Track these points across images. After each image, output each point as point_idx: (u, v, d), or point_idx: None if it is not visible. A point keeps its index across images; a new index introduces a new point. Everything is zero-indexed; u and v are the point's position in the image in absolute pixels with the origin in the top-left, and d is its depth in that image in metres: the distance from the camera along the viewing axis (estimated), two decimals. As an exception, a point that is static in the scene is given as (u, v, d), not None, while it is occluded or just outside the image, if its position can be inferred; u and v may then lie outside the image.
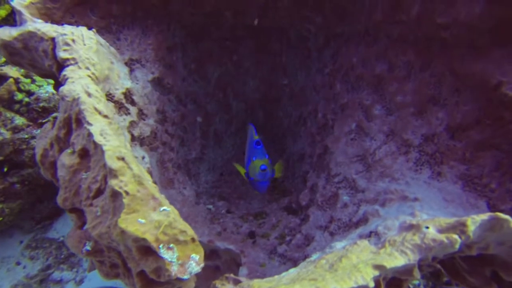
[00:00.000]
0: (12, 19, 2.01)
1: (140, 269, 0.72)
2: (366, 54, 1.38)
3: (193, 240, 0.77)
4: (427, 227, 0.70)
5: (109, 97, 1.06)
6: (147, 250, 0.71)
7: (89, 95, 0.84)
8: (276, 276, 0.75)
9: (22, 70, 1.84)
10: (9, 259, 2.12)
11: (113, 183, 0.73)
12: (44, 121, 1.81)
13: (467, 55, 0.90)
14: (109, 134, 0.79)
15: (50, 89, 1.89)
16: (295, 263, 1.31)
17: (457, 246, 0.62)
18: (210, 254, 1.45)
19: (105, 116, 0.84)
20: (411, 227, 0.76)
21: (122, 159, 0.76)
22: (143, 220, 0.73)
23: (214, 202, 1.72)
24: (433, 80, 1.09)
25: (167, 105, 1.49)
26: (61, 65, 0.92)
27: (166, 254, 0.69)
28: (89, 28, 1.04)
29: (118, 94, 1.10)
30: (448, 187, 1.04)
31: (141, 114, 1.25)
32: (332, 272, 0.67)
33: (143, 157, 1.16)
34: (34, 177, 1.89)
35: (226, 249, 1.39)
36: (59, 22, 1.08)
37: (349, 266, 0.69)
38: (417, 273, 0.65)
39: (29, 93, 1.79)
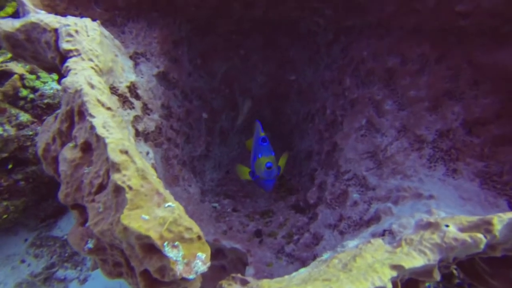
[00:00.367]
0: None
1: (144, 268, 0.69)
2: (378, 48, 1.33)
3: (199, 238, 0.74)
4: (447, 226, 0.66)
5: (113, 90, 1.03)
6: (151, 248, 0.68)
7: (92, 86, 0.81)
8: (286, 276, 0.71)
9: (28, 66, 1.83)
10: (14, 257, 2.11)
11: (116, 177, 0.70)
12: (48, 117, 1.79)
13: (488, 44, 0.85)
14: (112, 126, 0.76)
15: (55, 85, 1.87)
16: (303, 263, 1.27)
17: (482, 246, 0.58)
18: (216, 253, 1.42)
19: (109, 108, 0.81)
20: (428, 225, 0.72)
21: (126, 152, 0.73)
22: (147, 217, 0.70)
23: (219, 200, 1.69)
24: (449, 73, 1.04)
25: (172, 100, 1.46)
26: (64, 56, 0.89)
27: (171, 253, 0.66)
28: (93, 20, 1.01)
29: (122, 87, 1.07)
30: (465, 184, 1.00)
31: (146, 108, 1.22)
32: (347, 272, 0.63)
33: (148, 153, 1.13)
34: (38, 174, 1.87)
35: (232, 248, 1.36)
36: (62, 14, 1.05)
37: (364, 266, 0.65)
38: (437, 274, 0.61)
39: (34, 90, 1.78)
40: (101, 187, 0.76)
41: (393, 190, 1.11)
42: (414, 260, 0.60)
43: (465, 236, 0.58)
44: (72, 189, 0.79)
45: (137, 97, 1.18)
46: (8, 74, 1.72)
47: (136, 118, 1.16)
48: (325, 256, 0.88)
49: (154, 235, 0.67)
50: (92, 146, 0.79)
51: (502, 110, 0.89)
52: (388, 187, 1.15)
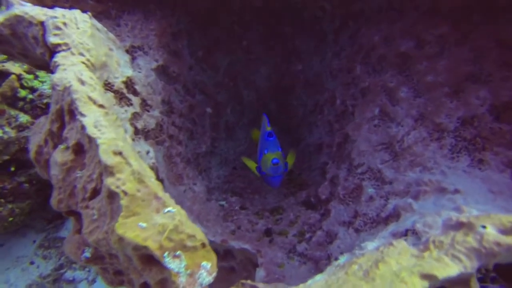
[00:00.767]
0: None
1: (143, 280, 0.63)
2: (390, 32, 1.24)
3: (203, 245, 0.67)
4: (484, 227, 0.58)
5: (108, 86, 0.97)
6: (150, 259, 0.61)
7: (83, 83, 0.75)
8: (301, 285, 0.64)
9: (25, 66, 1.78)
10: (23, 259, 2.09)
11: (109, 181, 0.63)
12: (49, 117, 1.74)
13: (521, 19, 0.76)
14: (105, 125, 0.70)
15: (54, 84, 1.82)
16: (316, 263, 1.20)
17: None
18: (224, 254, 1.36)
19: (101, 106, 0.75)
20: (460, 225, 0.64)
21: (119, 153, 0.67)
22: (144, 224, 0.63)
23: (226, 198, 1.62)
24: (472, 54, 0.95)
25: (174, 96, 1.39)
26: (53, 51, 0.82)
27: (172, 264, 0.60)
28: (84, 11, 0.94)
29: (118, 83, 1.00)
30: (494, 176, 0.91)
31: (145, 105, 1.16)
32: (369, 282, 0.56)
33: (148, 152, 1.07)
34: (42, 176, 1.83)
35: (241, 249, 1.30)
36: (51, 7, 0.98)
37: (389, 274, 0.57)
38: (475, 285, 0.53)
39: (33, 90, 1.73)
40: (95, 192, 0.70)
41: (412, 184, 1.03)
42: (448, 268, 0.52)
43: (509, 240, 0.50)
44: (65, 194, 0.73)
45: (135, 93, 1.11)
46: (5, 74, 1.67)
47: (135, 115, 1.10)
48: (341, 259, 0.81)
49: (152, 245, 0.61)
50: (84, 148, 0.73)
51: (537, 93, 0.80)
52: (407, 180, 1.06)
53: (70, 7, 1.03)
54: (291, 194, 1.63)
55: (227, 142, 1.91)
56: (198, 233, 0.68)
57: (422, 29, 1.07)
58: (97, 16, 1.11)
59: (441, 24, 1.01)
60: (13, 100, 1.70)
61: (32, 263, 2.02)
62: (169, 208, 0.68)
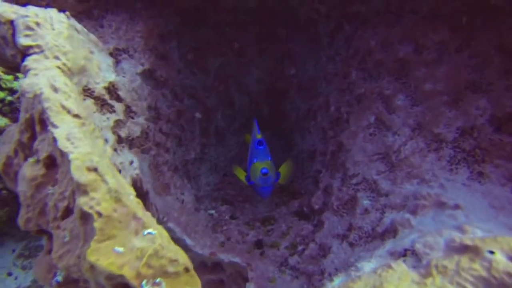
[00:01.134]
0: None
1: (118, 313, 0.56)
2: (387, 36, 1.19)
3: (186, 270, 0.61)
4: (492, 252, 0.53)
5: (87, 92, 0.90)
6: (125, 290, 0.55)
7: (56, 90, 0.68)
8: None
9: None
10: (0, 270, 1.99)
11: (82, 201, 0.57)
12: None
13: (527, 27, 0.72)
14: (79, 138, 0.63)
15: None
16: (309, 278, 1.15)
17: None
18: (213, 266, 1.29)
19: (76, 116, 0.68)
20: (464, 249, 0.59)
21: (94, 170, 0.60)
22: (121, 249, 0.57)
23: (216, 207, 1.56)
24: (473, 61, 0.91)
25: (161, 101, 1.33)
26: (24, 54, 0.75)
27: (151, 294, 0.53)
28: (62, 11, 0.87)
29: (99, 88, 0.94)
30: (494, 190, 0.87)
31: (129, 111, 1.09)
32: (369, 317, 0.51)
33: (132, 162, 1.00)
34: (22, 182, 1.74)
35: (230, 262, 1.24)
36: (24, 5, 0.91)
37: (391, 307, 0.52)
38: (486, 319, 0.48)
39: (12, 91, 1.64)
40: (68, 212, 0.63)
41: (409, 197, 0.98)
42: (456, 302, 0.47)
43: (524, 273, 0.45)
44: (35, 213, 0.66)
45: (118, 99, 1.04)
46: (-18, 76, 1.58)
47: (118, 123, 1.03)
48: (336, 281, 0.76)
49: (129, 273, 0.55)
50: (57, 161, 0.66)
51: (543, 105, 0.76)
52: (404, 193, 1.02)
53: (47, 6, 0.96)
54: (283, 204, 1.57)
55: (217, 148, 1.85)
56: (181, 256, 0.62)
57: (421, 33, 1.03)
58: (78, 16, 1.04)
59: (440, 29, 0.97)
60: (-9, 103, 1.61)
61: (10, 274, 1.92)
62: (149, 230, 0.61)
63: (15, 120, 1.63)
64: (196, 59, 1.61)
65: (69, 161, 0.59)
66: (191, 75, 1.60)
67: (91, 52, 0.98)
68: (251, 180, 1.31)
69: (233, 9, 1.50)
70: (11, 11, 0.74)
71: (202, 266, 1.32)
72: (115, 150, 0.96)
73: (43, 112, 0.65)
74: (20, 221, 0.66)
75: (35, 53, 0.73)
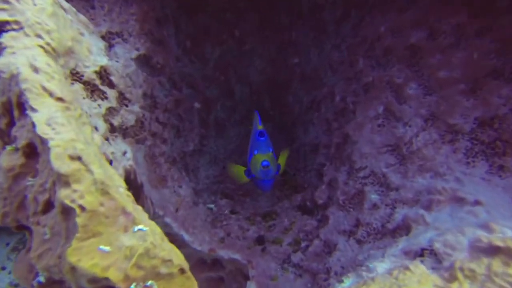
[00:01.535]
0: None
1: (103, 320, 0.50)
2: (398, 21, 1.12)
3: (182, 271, 0.55)
4: (528, 255, 0.47)
5: (76, 76, 0.83)
6: (111, 295, 0.49)
7: (36, 70, 0.61)
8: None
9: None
10: (-6, 264, 1.93)
11: (63, 194, 0.50)
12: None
13: None
14: (61, 123, 0.56)
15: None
16: (314, 276, 1.09)
17: None
18: (212, 263, 1.24)
19: (59, 99, 0.61)
20: (494, 250, 0.52)
21: (78, 158, 0.54)
22: (107, 248, 0.50)
23: (216, 201, 1.50)
24: (494, 47, 0.84)
25: (158, 89, 1.25)
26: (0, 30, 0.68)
27: (140, 300, 0.47)
28: (47, -13, 0.80)
29: (89, 73, 0.86)
30: (516, 185, 0.80)
31: (123, 98, 1.02)
32: (389, 328, 0.44)
33: (125, 152, 0.93)
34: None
35: (230, 258, 1.18)
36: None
37: (413, 316, 0.46)
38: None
39: None
40: (49, 206, 0.56)
41: (422, 192, 0.92)
42: (492, 313, 0.41)
43: None
44: (13, 207, 0.60)
45: (111, 84, 0.97)
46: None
47: (110, 111, 0.96)
48: (346, 282, 0.70)
49: (115, 275, 0.48)
50: (37, 149, 0.60)
51: None
52: (416, 187, 0.95)
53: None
54: (285, 197, 1.51)
55: (217, 139, 1.78)
56: (175, 256, 0.56)
57: (436, 18, 0.96)
58: (67, -5, 0.96)
59: (458, 12, 0.90)
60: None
61: (3, 268, 1.86)
62: (140, 226, 0.55)
63: None
64: (194, 46, 1.53)
65: (48, 149, 0.52)
66: (190, 64, 1.53)
67: (81, 34, 0.91)
68: (251, 173, 1.25)
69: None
70: (-14, -17, 0.67)
71: (201, 262, 1.26)
72: (107, 139, 0.89)
73: (21, 94, 0.58)
74: (-3, 215, 0.60)
75: (13, 29, 0.65)
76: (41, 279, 0.61)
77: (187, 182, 1.38)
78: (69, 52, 0.79)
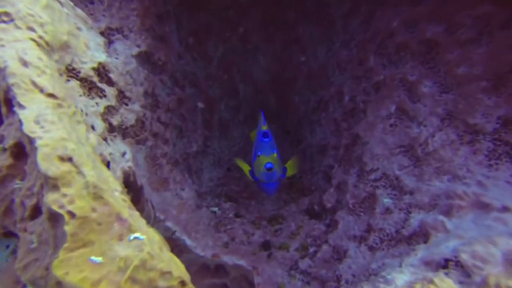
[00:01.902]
0: None
1: None
2: (412, 15, 1.06)
3: (182, 284, 0.49)
4: None
5: (72, 73, 0.78)
6: (101, 314, 0.44)
7: (25, 64, 0.56)
8: None
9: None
10: (-7, 267, 1.89)
11: (51, 199, 0.45)
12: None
13: None
14: (51, 121, 0.51)
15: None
16: (323, 284, 1.03)
17: None
18: (216, 269, 1.18)
19: (50, 95, 0.56)
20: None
21: (69, 159, 0.49)
22: (98, 259, 0.45)
23: (219, 204, 1.44)
24: (520, 39, 0.78)
25: (159, 87, 1.21)
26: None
27: (134, 320, 0.42)
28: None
29: (86, 69, 0.82)
30: (545, 189, 0.74)
31: (122, 97, 0.98)
32: None
33: (124, 153, 0.88)
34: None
35: (235, 264, 1.12)
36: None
37: None
38: None
39: None
40: (36, 211, 0.52)
41: (440, 196, 0.86)
42: None
43: None
44: (-1, 212, 0.55)
45: (110, 82, 0.92)
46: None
47: (109, 109, 0.91)
48: (362, 296, 0.64)
49: (107, 291, 0.43)
50: (26, 149, 0.55)
51: None
52: (432, 191, 0.89)
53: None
54: (292, 201, 1.45)
55: (220, 140, 1.73)
56: (175, 267, 0.51)
57: (455, 9, 0.90)
58: (64, -12, 0.92)
59: (480, 4, 0.84)
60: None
61: (3, 271, 1.82)
62: (136, 234, 0.50)
63: None
64: (197, 44, 1.49)
65: (36, 149, 0.47)
66: (192, 61, 1.48)
67: (78, 29, 0.86)
68: (255, 175, 1.19)
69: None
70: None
71: (204, 268, 1.21)
72: (105, 139, 0.84)
73: (8, 89, 0.53)
74: (-18, 221, 0.55)
75: (2, 21, 0.61)
76: (30, 290, 0.56)
77: (190, 184, 1.33)
78: (65, 46, 0.75)
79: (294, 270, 1.12)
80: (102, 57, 0.90)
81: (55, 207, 0.45)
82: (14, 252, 1.93)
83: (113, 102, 0.92)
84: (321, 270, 1.08)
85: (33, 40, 0.64)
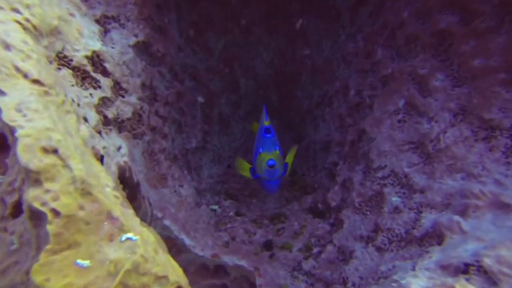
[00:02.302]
0: None
1: None
2: (424, 5, 1.01)
3: (179, 290, 0.45)
4: None
5: (64, 60, 0.73)
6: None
7: (7, 47, 0.51)
8: None
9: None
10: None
11: (32, 195, 0.41)
12: None
13: None
14: (35, 109, 0.46)
15: None
16: (327, 286, 0.99)
17: None
18: (215, 270, 1.14)
19: (36, 82, 0.51)
20: None
21: (54, 152, 0.44)
22: (86, 262, 0.40)
23: (219, 202, 1.40)
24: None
25: (158, 80, 1.16)
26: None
27: (124, 333, 0.37)
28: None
29: (79, 57, 0.77)
30: None
31: (119, 88, 0.93)
32: None
33: (119, 148, 0.84)
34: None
35: (235, 265, 1.08)
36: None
37: None
38: None
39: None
40: (17, 209, 0.47)
41: (454, 195, 0.81)
42: None
43: None
44: (-21, 210, 0.50)
45: (105, 72, 0.87)
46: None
47: (104, 101, 0.86)
48: (374, 302, 0.59)
49: (94, 299, 0.38)
50: (8, 141, 0.50)
51: None
52: (445, 190, 0.85)
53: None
54: (295, 199, 1.41)
55: (220, 136, 1.68)
56: (171, 271, 0.46)
57: (470, -2, 0.85)
58: (56, -28, 0.87)
59: (499, -10, 0.79)
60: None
61: None
62: (129, 234, 0.45)
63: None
64: (198, 35, 1.43)
65: (16, 139, 0.42)
66: (192, 54, 1.43)
67: (71, 15, 0.81)
68: (256, 173, 1.14)
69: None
70: None
71: (203, 269, 1.16)
72: (99, 132, 0.79)
73: (-12, 74, 0.48)
74: (-41, 219, 0.50)
75: (-15, 0, 0.55)
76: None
77: (189, 181, 1.28)
78: (55, 32, 0.70)
79: (297, 271, 1.08)
80: (96, 45, 0.85)
81: (36, 204, 0.40)
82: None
83: (108, 93, 0.87)
84: (325, 272, 1.03)
85: (18, 22, 0.59)
